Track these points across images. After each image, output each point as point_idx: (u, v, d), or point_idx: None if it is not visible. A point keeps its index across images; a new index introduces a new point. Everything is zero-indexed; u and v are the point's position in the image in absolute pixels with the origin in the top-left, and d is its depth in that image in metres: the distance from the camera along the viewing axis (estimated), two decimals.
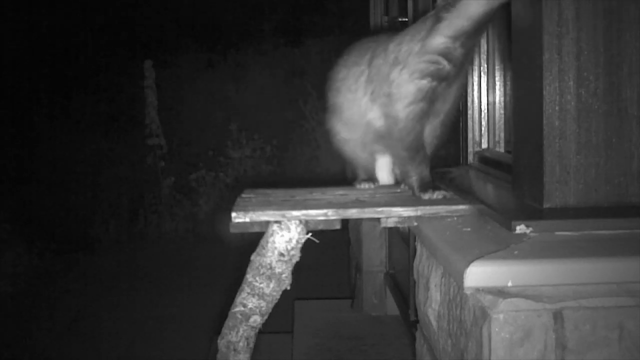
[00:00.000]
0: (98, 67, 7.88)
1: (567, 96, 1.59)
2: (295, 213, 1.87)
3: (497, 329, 1.28)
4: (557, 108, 1.59)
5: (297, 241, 1.89)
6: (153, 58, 7.91)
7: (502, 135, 2.45)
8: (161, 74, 7.92)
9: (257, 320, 1.92)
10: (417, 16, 2.49)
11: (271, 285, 1.90)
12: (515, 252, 1.39)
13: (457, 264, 1.43)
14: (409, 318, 2.96)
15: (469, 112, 2.53)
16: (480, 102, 2.52)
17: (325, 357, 3.46)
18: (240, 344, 1.92)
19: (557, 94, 1.59)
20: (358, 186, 2.26)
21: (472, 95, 2.53)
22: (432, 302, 1.78)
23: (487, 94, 2.50)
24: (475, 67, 2.53)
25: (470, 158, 2.52)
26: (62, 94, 7.70)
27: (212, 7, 8.02)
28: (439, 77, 1.93)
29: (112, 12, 7.88)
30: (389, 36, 2.08)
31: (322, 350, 3.55)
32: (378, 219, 1.91)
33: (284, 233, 1.87)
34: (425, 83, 1.93)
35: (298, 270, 1.94)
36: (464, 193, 1.95)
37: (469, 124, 2.53)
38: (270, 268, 1.89)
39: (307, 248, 1.91)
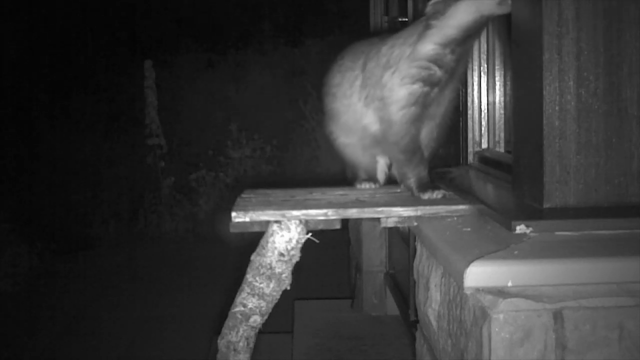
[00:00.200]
0: (98, 67, 7.87)
1: (567, 96, 1.59)
2: (295, 213, 1.87)
3: (497, 329, 1.28)
4: (557, 108, 1.59)
5: (297, 241, 1.89)
6: (153, 58, 7.91)
7: (502, 135, 2.45)
8: (161, 74, 7.91)
9: (257, 320, 1.92)
10: (417, 16, 2.48)
11: (271, 285, 1.90)
12: (515, 252, 1.39)
13: (457, 264, 1.43)
14: (409, 318, 2.96)
15: (469, 112, 2.53)
16: (480, 102, 2.52)
17: (325, 357, 3.46)
18: (240, 344, 1.92)
19: (557, 94, 1.59)
20: (358, 186, 2.26)
21: (472, 95, 2.53)
22: (432, 302, 1.78)
23: (487, 94, 2.50)
24: (475, 67, 2.53)
25: (470, 158, 2.52)
26: (62, 94, 7.69)
27: (212, 7, 8.01)
28: (431, 83, 1.94)
29: (112, 12, 7.87)
30: (382, 38, 2.08)
31: (322, 350, 3.55)
32: (378, 219, 1.91)
33: (284, 233, 1.87)
34: (416, 88, 1.94)
35: (298, 270, 1.94)
36: (464, 193, 1.95)
37: (469, 124, 2.53)
38: (270, 268, 1.89)
39: (307, 248, 1.91)
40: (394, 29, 3.08)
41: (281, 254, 1.88)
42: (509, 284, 1.33)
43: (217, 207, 7.49)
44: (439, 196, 1.95)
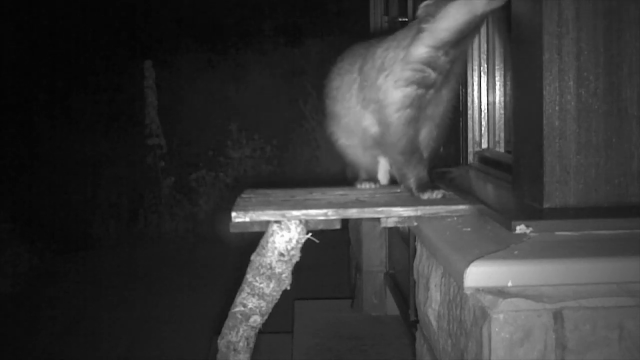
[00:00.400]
0: (98, 67, 7.88)
1: (567, 96, 1.59)
2: (295, 213, 1.87)
3: (497, 329, 1.28)
4: (557, 108, 1.59)
5: (297, 241, 1.89)
6: (153, 58, 7.92)
7: (502, 135, 2.45)
8: (161, 74, 7.92)
9: (257, 320, 1.92)
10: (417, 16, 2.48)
11: (271, 285, 1.90)
12: (515, 252, 1.39)
13: (457, 264, 1.43)
14: (409, 318, 2.96)
15: (469, 112, 2.53)
16: (480, 102, 2.52)
17: (325, 357, 3.46)
18: (240, 344, 1.92)
19: (557, 94, 1.59)
20: (359, 186, 2.27)
21: (472, 95, 2.53)
22: (432, 302, 1.78)
23: (487, 94, 2.50)
24: (475, 67, 2.53)
25: (470, 158, 2.52)
26: (62, 94, 7.70)
27: (212, 7, 8.02)
28: (425, 85, 1.94)
29: (112, 12, 7.87)
30: (379, 40, 2.08)
31: (322, 350, 3.55)
32: (378, 219, 1.91)
33: (284, 233, 1.87)
34: (410, 90, 1.94)
35: (298, 270, 1.94)
36: (464, 193, 1.95)
37: (469, 124, 2.53)
38: (270, 268, 1.89)
39: (307, 248, 1.91)
40: (394, 29, 3.08)
41: (281, 254, 1.88)
42: (509, 284, 1.33)
43: (217, 207, 7.49)
44: (439, 196, 1.95)
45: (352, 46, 2.22)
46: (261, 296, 1.90)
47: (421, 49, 1.92)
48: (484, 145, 2.50)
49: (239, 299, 1.92)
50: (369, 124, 2.07)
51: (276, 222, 1.88)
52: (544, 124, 1.59)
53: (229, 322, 1.93)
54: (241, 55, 8.15)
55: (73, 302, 5.45)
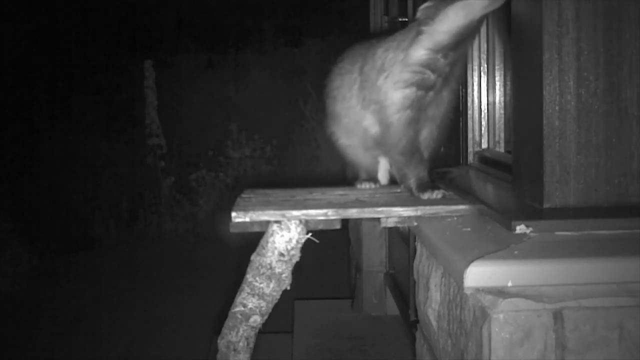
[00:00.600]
0: (98, 67, 7.88)
1: (567, 96, 1.59)
2: (295, 213, 1.87)
3: (497, 329, 1.28)
4: (557, 108, 1.59)
5: (297, 241, 1.89)
6: (153, 58, 7.91)
7: (502, 135, 2.45)
8: (161, 74, 7.92)
9: (257, 320, 1.92)
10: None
11: (271, 285, 1.90)
12: (515, 252, 1.39)
13: (457, 264, 1.43)
14: (409, 318, 2.96)
15: (469, 112, 2.53)
16: (480, 102, 2.52)
17: (325, 357, 3.46)
18: (240, 344, 1.92)
19: (557, 94, 1.59)
20: (359, 186, 2.27)
21: (472, 95, 2.53)
22: (432, 302, 1.78)
23: (487, 94, 2.50)
24: (475, 67, 2.53)
25: (470, 158, 2.52)
26: (61, 93, 7.69)
27: (212, 7, 8.01)
28: (424, 87, 1.94)
29: (112, 12, 7.87)
30: (379, 40, 2.08)
31: (322, 350, 3.55)
32: (378, 219, 1.91)
33: (284, 233, 1.87)
34: (410, 92, 1.94)
35: (298, 270, 1.94)
36: (464, 193, 1.95)
37: (469, 124, 2.53)
38: (270, 268, 1.89)
39: (307, 248, 1.91)
40: (394, 29, 3.08)
41: (281, 254, 1.88)
42: (509, 284, 1.33)
43: (217, 207, 7.49)
44: (439, 196, 1.95)
45: (352, 46, 2.22)
46: (261, 296, 1.90)
47: (420, 52, 1.92)
48: (484, 145, 2.50)
49: (239, 299, 1.92)
50: (370, 124, 2.08)
51: (276, 222, 1.88)
52: (544, 124, 1.59)
53: (229, 322, 1.93)
54: (241, 55, 8.15)
55: (73, 302, 5.45)
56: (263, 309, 1.92)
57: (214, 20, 8.07)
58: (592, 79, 1.59)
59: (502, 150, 2.43)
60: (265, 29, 8.20)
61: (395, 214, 1.88)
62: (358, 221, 3.89)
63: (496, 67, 2.45)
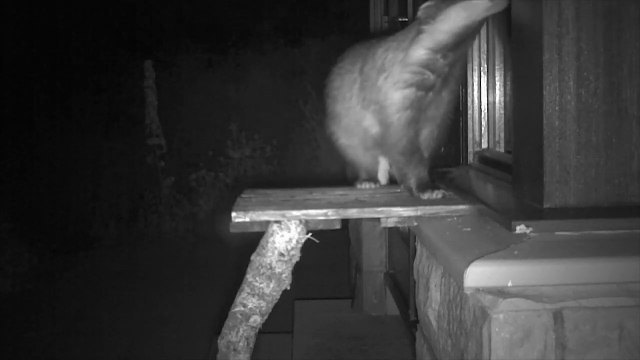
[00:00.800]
0: (98, 67, 7.88)
1: (567, 96, 1.59)
2: (295, 213, 1.87)
3: (497, 329, 1.28)
4: (557, 108, 1.59)
5: (297, 241, 1.89)
6: (153, 58, 7.91)
7: (502, 135, 2.45)
8: (161, 74, 7.92)
9: (257, 320, 1.92)
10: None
11: (271, 285, 1.90)
12: (515, 252, 1.39)
13: (457, 264, 1.43)
14: (409, 318, 2.96)
15: (469, 112, 2.53)
16: (480, 102, 2.52)
17: (325, 357, 3.46)
18: (240, 344, 1.92)
19: (557, 94, 1.59)
20: (359, 186, 2.27)
21: (472, 95, 2.53)
22: (432, 302, 1.78)
23: (487, 94, 2.50)
24: (475, 67, 2.53)
25: (470, 158, 2.52)
26: (61, 93, 7.70)
27: (212, 7, 8.02)
28: (424, 87, 1.94)
29: (112, 12, 7.87)
30: (379, 40, 2.08)
31: (322, 350, 3.55)
32: (378, 219, 1.91)
33: (284, 233, 1.87)
34: (409, 92, 1.94)
35: (298, 270, 1.94)
36: (464, 193, 1.95)
37: (469, 124, 2.53)
38: (270, 268, 1.89)
39: (307, 248, 1.91)
40: (394, 29, 3.08)
41: (281, 254, 1.88)
42: (509, 284, 1.33)
43: (217, 207, 7.49)
44: (439, 196, 1.95)
45: (352, 46, 2.22)
46: (261, 296, 1.90)
47: (420, 51, 1.92)
48: (484, 145, 2.50)
49: (239, 299, 1.92)
50: (370, 124, 2.08)
51: (276, 222, 1.88)
52: (544, 124, 1.59)
53: (229, 322, 1.93)
54: (241, 55, 8.15)
55: (73, 302, 5.45)
56: (263, 309, 1.92)
57: (214, 20, 8.08)
58: (592, 79, 1.59)
59: (502, 150, 2.43)
60: (265, 29, 8.21)
61: (395, 214, 1.88)
62: (358, 221, 3.89)
63: (496, 67, 2.45)
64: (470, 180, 2.28)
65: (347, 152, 2.26)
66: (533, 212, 1.60)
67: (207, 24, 8.08)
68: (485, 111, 2.50)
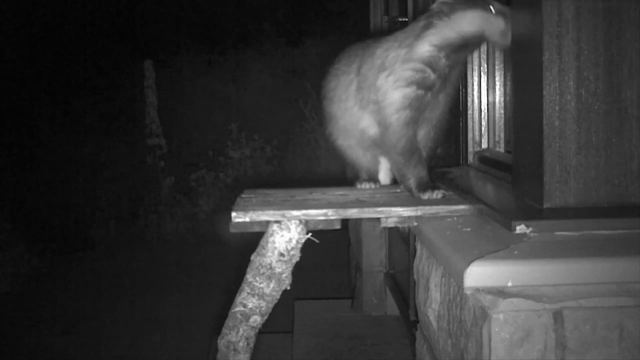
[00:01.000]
0: (98, 67, 7.88)
1: (567, 96, 1.59)
2: (295, 213, 1.87)
3: (497, 329, 1.28)
4: (557, 108, 1.59)
5: (297, 241, 1.89)
6: (153, 58, 7.92)
7: (502, 135, 2.45)
8: (161, 74, 7.92)
9: (257, 320, 1.92)
10: (417, 16, 2.49)
11: (271, 285, 1.90)
12: (515, 252, 1.39)
13: (457, 264, 1.43)
14: (409, 318, 2.96)
15: (469, 112, 2.53)
16: (480, 102, 2.52)
17: (325, 357, 3.46)
18: (240, 344, 1.92)
19: (557, 94, 1.59)
20: (359, 186, 2.27)
21: (472, 95, 2.53)
22: (432, 302, 1.78)
23: (487, 94, 2.50)
24: (475, 67, 2.53)
25: (470, 158, 2.52)
26: (62, 94, 7.70)
27: (212, 7, 8.02)
28: (425, 86, 1.94)
29: (112, 12, 7.88)
30: (376, 40, 2.08)
31: (322, 350, 3.55)
32: (378, 219, 1.91)
33: (284, 233, 1.87)
34: (410, 91, 1.94)
35: (298, 270, 1.94)
36: (464, 193, 1.95)
37: (469, 124, 2.53)
38: (270, 268, 1.89)
39: (307, 248, 1.91)
40: (394, 29, 3.08)
41: (281, 254, 1.88)
42: (509, 284, 1.33)
43: (217, 207, 7.49)
44: (439, 196, 1.96)
45: (348, 48, 2.22)
46: (261, 296, 1.90)
47: (425, 47, 1.93)
48: (484, 145, 2.50)
49: (239, 299, 1.92)
50: (367, 125, 2.08)
51: (276, 222, 1.88)
52: (544, 124, 1.59)
53: (229, 322, 1.93)
54: (241, 55, 8.15)
55: (73, 302, 5.45)
56: (263, 309, 1.92)
57: (214, 20, 8.08)
58: (592, 79, 1.59)
59: (502, 150, 2.43)
60: (265, 29, 8.21)
61: (395, 214, 1.88)
62: (358, 221, 3.89)
63: (496, 67, 2.45)
64: (470, 180, 2.28)
65: (346, 152, 2.26)
66: (533, 212, 1.60)
67: (207, 24, 8.08)
68: (485, 111, 2.50)
